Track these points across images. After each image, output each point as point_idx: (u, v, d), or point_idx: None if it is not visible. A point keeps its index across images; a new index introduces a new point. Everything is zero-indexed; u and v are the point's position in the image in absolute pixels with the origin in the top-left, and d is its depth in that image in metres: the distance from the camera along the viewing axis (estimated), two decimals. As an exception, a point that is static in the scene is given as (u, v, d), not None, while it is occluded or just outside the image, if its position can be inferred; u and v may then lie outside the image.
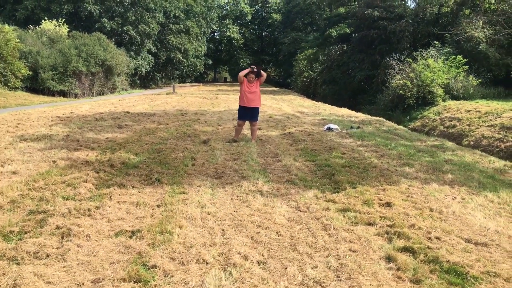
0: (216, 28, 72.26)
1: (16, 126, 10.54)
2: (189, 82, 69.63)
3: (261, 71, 8.74)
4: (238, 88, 48.12)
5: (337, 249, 3.33)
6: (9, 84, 27.92)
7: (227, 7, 76.22)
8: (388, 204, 4.42)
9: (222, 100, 24.15)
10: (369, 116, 15.98)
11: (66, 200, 4.33)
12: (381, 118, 15.17)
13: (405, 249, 3.34)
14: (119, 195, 4.58)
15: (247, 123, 9.13)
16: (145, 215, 4.02)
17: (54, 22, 36.52)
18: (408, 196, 4.81)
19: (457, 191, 5.12)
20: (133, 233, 3.51)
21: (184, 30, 52.49)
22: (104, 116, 13.09)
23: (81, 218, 3.83)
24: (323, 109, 18.46)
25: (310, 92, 46.53)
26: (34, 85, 30.67)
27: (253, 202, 4.47)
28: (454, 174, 5.86)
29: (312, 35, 54.73)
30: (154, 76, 56.14)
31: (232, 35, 72.14)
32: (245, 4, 74.29)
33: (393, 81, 26.32)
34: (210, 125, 11.36)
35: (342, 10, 46.26)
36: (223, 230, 3.68)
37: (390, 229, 3.72)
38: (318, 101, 31.87)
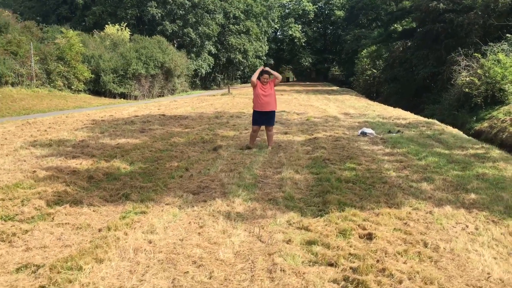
0: (277, 28, 71.65)
1: (45, 130, 10.68)
2: (251, 82, 69.63)
3: (274, 71, 8.05)
4: (297, 87, 47.20)
5: (270, 301, 2.61)
6: (72, 87, 29.27)
7: (289, 6, 75.34)
8: (369, 236, 3.56)
9: (271, 100, 23.53)
10: (420, 118, 14.59)
11: (5, 220, 3.97)
12: (433, 120, 13.75)
13: (356, 308, 2.54)
14: (66, 215, 4.14)
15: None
16: (74, 242, 3.53)
17: (117, 26, 37.91)
18: (405, 223, 3.91)
19: (473, 217, 4.11)
20: (38, 267, 3.02)
21: (244, 30, 52.50)
22: (137, 119, 13.02)
23: (-2, 245, 3.42)
24: (372, 110, 17.22)
25: (373, 91, 44.62)
26: (97, 87, 31.97)
27: (209, 228, 3.83)
28: (479, 194, 4.78)
29: (377, 31, 52.43)
30: (215, 77, 56.79)
31: (294, 34, 71.18)
32: (308, 2, 72.98)
33: (459, 79, 24.32)
34: (236, 129, 10.80)
35: (407, 3, 43.77)
36: (148, 266, 3.08)
37: (352, 274, 2.91)
38: (380, 101, 30.27)
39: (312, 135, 9.73)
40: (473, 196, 4.71)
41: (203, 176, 5.78)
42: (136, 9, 44.87)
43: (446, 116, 24.03)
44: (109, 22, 39.02)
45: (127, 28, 38.65)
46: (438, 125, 12.49)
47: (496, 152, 7.51)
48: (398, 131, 10.44)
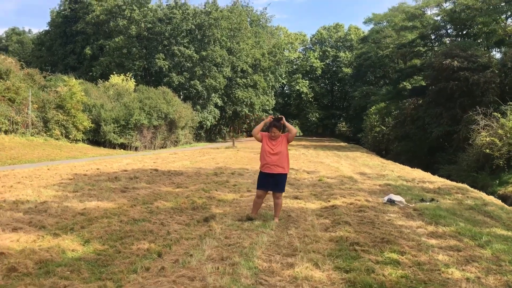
0: (285, 83, 71.62)
1: (11, 186, 9.01)
2: (257, 136, 68.48)
3: (288, 123, 6.40)
4: (304, 142, 46.02)
5: None
6: (70, 136, 27.96)
7: (297, 62, 75.81)
8: None
9: (278, 156, 21.88)
10: (447, 182, 12.80)
11: None
12: (464, 185, 11.96)
13: None
14: None
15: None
16: None
17: (122, 76, 37.29)
18: None
19: None
20: None
21: (251, 84, 51.99)
22: (124, 174, 11.33)
23: None
24: (390, 170, 15.46)
25: (382, 148, 43.19)
26: (96, 137, 30.72)
27: None
28: None
29: (385, 88, 51.81)
30: (220, 130, 55.74)
31: (301, 89, 70.99)
32: (315, 59, 73.41)
33: (478, 138, 22.85)
34: (237, 191, 9.05)
35: (416, 62, 43.26)
36: None
37: None
38: (391, 158, 28.63)
39: (329, 201, 7.94)
40: None
41: (180, 269, 3.97)
42: (144, 60, 44.63)
43: (464, 178, 22.34)
44: (115, 73, 38.45)
45: (132, 78, 37.99)
46: (472, 191, 10.69)
47: None
48: (432, 199, 8.63)
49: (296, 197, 8.38)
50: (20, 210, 6.35)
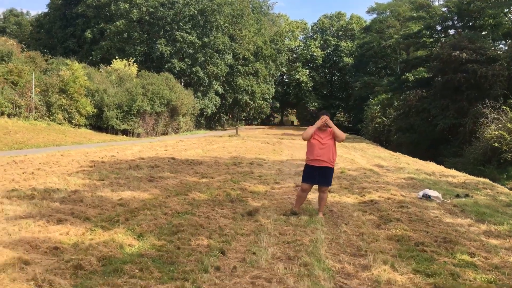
0: (285, 71, 71.14)
1: (32, 173, 8.72)
2: (255, 124, 68.30)
3: (334, 127, 6.14)
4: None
5: None
6: (72, 121, 27.53)
7: (297, 51, 75.24)
8: None
9: (285, 146, 21.67)
10: (469, 176, 12.64)
11: None
12: (487, 180, 11.81)
13: None
14: None
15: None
16: None
17: (124, 61, 36.69)
18: None
19: None
20: None
21: (253, 72, 51.48)
22: (143, 162, 11.06)
23: None
24: (405, 163, 15.28)
25: (383, 139, 43.10)
26: (99, 123, 30.30)
27: None
28: None
29: (386, 79, 51.51)
30: (220, 118, 55.34)
31: (301, 78, 70.57)
32: (316, 47, 72.85)
33: (486, 132, 22.70)
34: (265, 182, 8.82)
35: (421, 53, 42.94)
36: None
37: None
38: (392, 150, 28.54)
39: (364, 196, 7.73)
40: None
41: (250, 268, 3.75)
42: (145, 45, 43.96)
43: (470, 171, 22.30)
44: (116, 57, 37.81)
45: (134, 63, 37.40)
46: (498, 187, 10.55)
47: None
48: (467, 195, 8.45)
49: (328, 190, 8.15)
50: (54, 199, 6.09)
